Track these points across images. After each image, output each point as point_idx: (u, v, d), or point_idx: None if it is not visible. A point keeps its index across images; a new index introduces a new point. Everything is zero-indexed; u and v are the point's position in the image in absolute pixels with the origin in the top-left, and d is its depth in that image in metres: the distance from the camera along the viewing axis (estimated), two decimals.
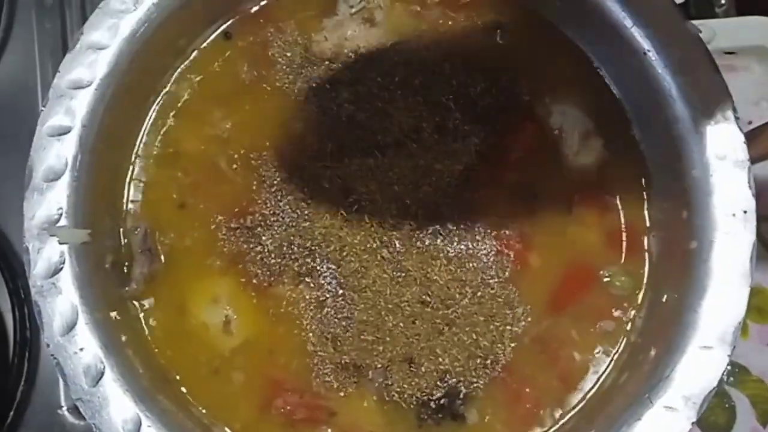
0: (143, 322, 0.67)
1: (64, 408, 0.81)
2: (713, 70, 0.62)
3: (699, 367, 0.58)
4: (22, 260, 0.82)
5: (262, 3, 0.72)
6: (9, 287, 0.81)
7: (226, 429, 0.65)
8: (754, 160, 0.61)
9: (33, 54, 0.89)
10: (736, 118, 0.61)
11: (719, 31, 0.84)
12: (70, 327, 0.59)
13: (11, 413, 0.79)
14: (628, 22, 0.64)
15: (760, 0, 0.88)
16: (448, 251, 0.67)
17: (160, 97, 0.71)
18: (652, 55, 0.63)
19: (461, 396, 0.65)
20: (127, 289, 0.66)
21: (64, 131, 0.62)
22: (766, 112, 0.88)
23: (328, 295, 0.66)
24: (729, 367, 0.81)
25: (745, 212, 0.60)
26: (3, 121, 0.86)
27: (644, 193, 0.68)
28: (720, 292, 0.59)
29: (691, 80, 0.62)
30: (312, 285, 0.67)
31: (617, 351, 0.66)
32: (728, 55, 0.87)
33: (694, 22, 0.64)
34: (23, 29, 0.90)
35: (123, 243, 0.67)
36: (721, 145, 0.61)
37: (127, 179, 0.69)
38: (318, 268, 0.67)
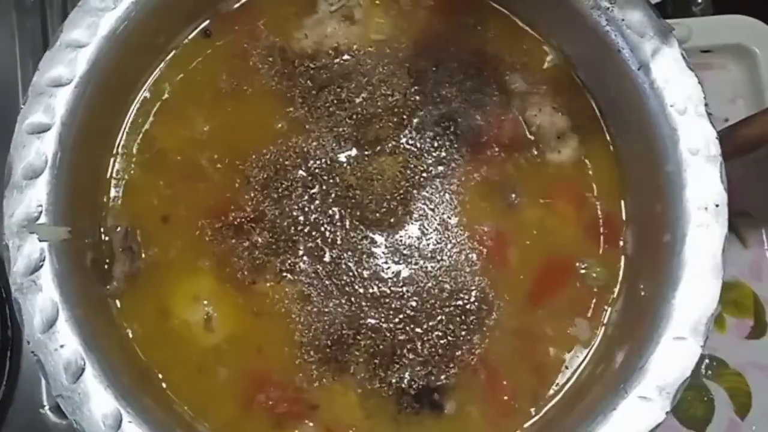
0: (124, 319, 0.67)
1: (47, 407, 0.81)
2: (686, 67, 0.63)
3: (673, 357, 0.59)
4: (2, 260, 0.83)
5: (243, 1, 0.73)
6: None
7: (208, 425, 0.65)
8: (729, 156, 0.62)
9: (14, 53, 0.89)
10: (709, 114, 0.62)
11: (696, 30, 0.85)
12: (51, 324, 0.59)
13: None
14: (602, 21, 0.65)
15: None
16: (428, 246, 0.68)
17: (139, 95, 0.71)
18: (626, 53, 0.64)
19: (439, 387, 0.66)
20: (108, 287, 0.66)
21: (44, 129, 0.62)
22: (743, 110, 0.89)
23: (309, 291, 0.67)
24: (707, 361, 0.83)
25: (717, 206, 0.61)
26: None
27: (619, 187, 0.69)
28: (693, 284, 0.60)
29: (663, 77, 0.63)
30: (294, 281, 0.67)
31: (594, 343, 0.67)
32: (705, 54, 0.88)
33: (671, 20, 0.66)
34: (3, 28, 0.90)
35: (104, 241, 0.67)
36: (694, 140, 0.62)
37: (108, 177, 0.69)
38: (299, 264, 0.68)
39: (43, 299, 0.59)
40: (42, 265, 0.60)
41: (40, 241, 0.60)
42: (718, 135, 0.62)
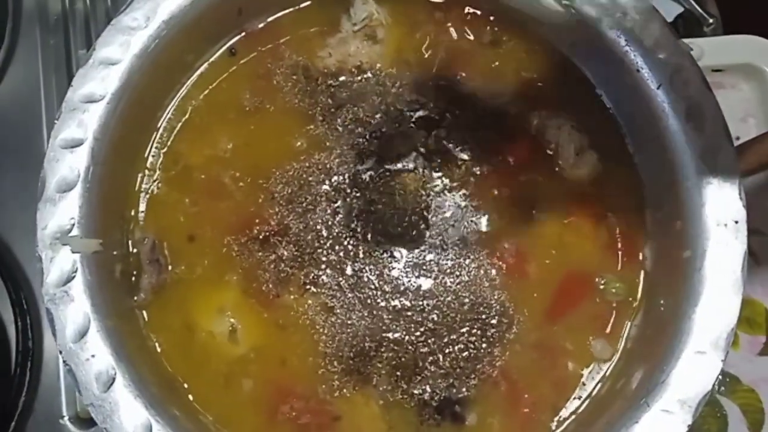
0: (151, 330, 0.68)
1: (66, 418, 0.82)
2: (704, 86, 0.64)
3: (694, 371, 0.60)
4: (24, 272, 0.84)
5: (268, 20, 0.75)
6: (12, 298, 0.81)
7: None
8: (741, 175, 0.64)
9: (37, 70, 0.90)
10: (727, 132, 0.63)
11: (707, 50, 0.86)
12: (82, 334, 0.60)
13: (13, 423, 0.80)
14: (621, 41, 0.66)
15: (746, 19, 0.90)
16: (448, 261, 0.69)
17: (167, 112, 0.73)
18: (645, 73, 0.66)
19: (460, 399, 0.67)
20: (135, 298, 0.67)
21: (77, 144, 0.63)
22: (753, 129, 0.90)
23: (333, 303, 0.68)
24: (720, 377, 0.83)
25: (736, 222, 0.62)
26: (7, 136, 0.88)
27: (639, 203, 0.70)
28: (713, 299, 0.61)
29: (682, 96, 0.64)
30: (317, 293, 0.68)
31: (614, 358, 0.68)
32: (716, 73, 0.89)
33: (683, 40, 0.67)
34: (28, 45, 0.91)
35: (132, 253, 0.69)
36: (713, 157, 0.63)
37: (136, 191, 0.71)
38: (323, 277, 0.69)
39: (75, 310, 0.60)
40: (74, 276, 0.61)
41: (73, 252, 0.61)
42: None
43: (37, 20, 0.92)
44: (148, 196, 0.71)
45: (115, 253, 0.67)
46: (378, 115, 0.72)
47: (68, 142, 0.63)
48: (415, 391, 0.66)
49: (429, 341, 0.68)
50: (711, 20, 0.93)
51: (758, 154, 0.69)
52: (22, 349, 0.81)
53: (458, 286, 0.69)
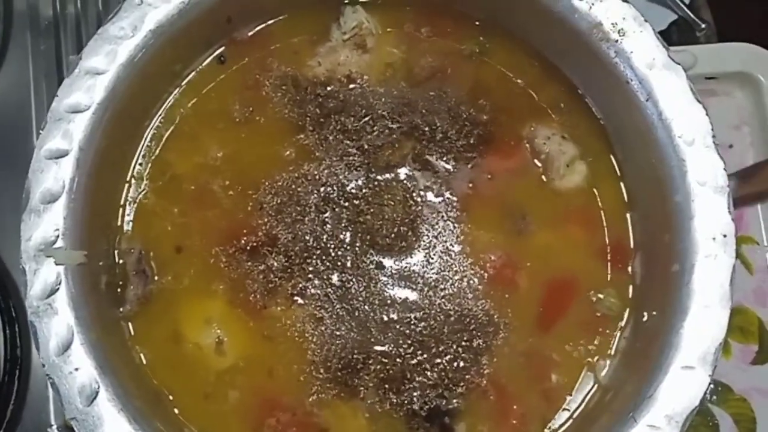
0: (136, 342, 0.67)
1: (54, 427, 0.82)
2: (693, 99, 0.64)
3: (681, 386, 0.59)
4: (14, 280, 0.84)
5: (257, 28, 0.74)
6: (0, 307, 0.81)
7: None
8: (747, 200, 0.63)
9: (27, 75, 0.90)
10: (716, 145, 0.63)
11: (701, 57, 0.86)
12: (66, 347, 0.59)
13: (1, 431, 0.79)
14: (611, 53, 0.65)
15: (740, 27, 0.90)
16: (438, 271, 0.69)
17: (154, 121, 0.72)
18: (635, 85, 0.65)
19: (450, 410, 0.66)
20: (121, 309, 0.67)
21: (62, 154, 0.62)
22: (747, 137, 0.90)
23: (321, 314, 0.68)
24: (712, 386, 0.83)
25: (724, 236, 0.61)
26: None
27: (628, 216, 0.70)
28: (701, 313, 0.60)
29: (671, 109, 0.64)
30: (305, 305, 0.68)
31: (602, 370, 0.67)
32: (710, 80, 0.89)
33: (676, 48, 0.67)
34: (18, 50, 0.91)
35: (118, 264, 0.68)
36: (702, 171, 0.63)
37: (122, 202, 0.70)
38: (310, 288, 0.68)
39: (58, 323, 0.60)
40: (58, 288, 0.60)
41: (57, 264, 0.61)
42: (729, 180, 0.63)
43: (28, 25, 0.92)
44: (135, 206, 0.71)
45: (100, 263, 0.66)
46: (367, 126, 0.72)
47: (53, 152, 0.62)
48: (404, 402, 0.66)
49: (417, 353, 0.67)
50: (703, 25, 0.93)
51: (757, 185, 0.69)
52: (11, 358, 0.81)
53: (447, 297, 0.69)
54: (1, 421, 0.80)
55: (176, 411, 0.66)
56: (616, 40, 0.65)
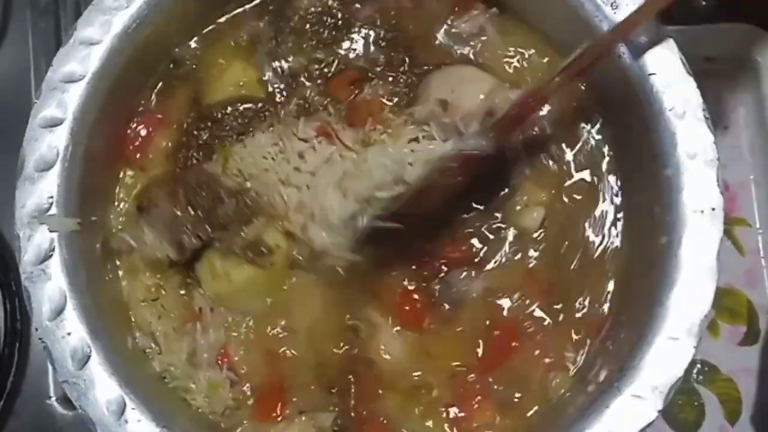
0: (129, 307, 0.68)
1: (53, 398, 0.83)
2: (685, 72, 0.64)
3: (666, 357, 0.59)
4: (13, 253, 0.84)
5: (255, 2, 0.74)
6: (0, 281, 0.82)
7: (210, 416, 0.67)
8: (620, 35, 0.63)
9: (27, 53, 0.91)
10: (707, 119, 0.63)
11: (700, 37, 0.85)
12: (59, 312, 0.60)
13: (1, 403, 0.81)
14: (603, 26, 0.65)
15: (742, 7, 0.89)
16: None
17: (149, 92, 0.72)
18: (627, 59, 0.65)
19: None
20: (111, 276, 0.68)
21: (56, 123, 0.63)
22: (743, 118, 0.90)
23: None
24: (699, 366, 0.83)
25: (713, 209, 0.61)
26: None
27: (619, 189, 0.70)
28: (688, 285, 0.60)
29: (663, 82, 0.64)
30: None
31: (587, 341, 0.68)
32: (708, 61, 0.88)
33: (676, 27, 0.66)
34: (18, 28, 0.92)
35: (112, 232, 0.69)
36: (692, 144, 0.63)
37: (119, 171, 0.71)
38: None
39: (51, 288, 0.61)
40: (51, 255, 0.61)
41: (51, 231, 0.61)
42: None
43: (28, 4, 0.92)
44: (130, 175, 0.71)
45: (95, 231, 0.67)
46: None
47: (47, 121, 0.63)
48: None
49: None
50: (704, 2, 0.91)
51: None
52: (11, 331, 0.82)
53: None
54: (1, 393, 0.81)
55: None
56: (609, 13, 0.65)
